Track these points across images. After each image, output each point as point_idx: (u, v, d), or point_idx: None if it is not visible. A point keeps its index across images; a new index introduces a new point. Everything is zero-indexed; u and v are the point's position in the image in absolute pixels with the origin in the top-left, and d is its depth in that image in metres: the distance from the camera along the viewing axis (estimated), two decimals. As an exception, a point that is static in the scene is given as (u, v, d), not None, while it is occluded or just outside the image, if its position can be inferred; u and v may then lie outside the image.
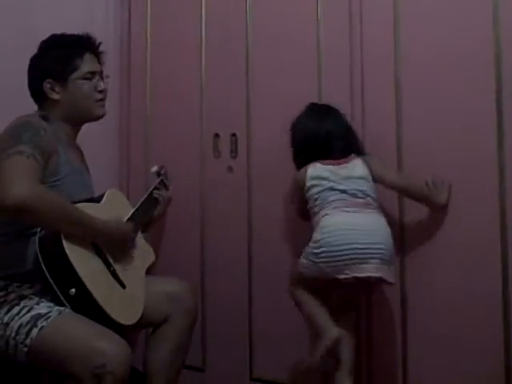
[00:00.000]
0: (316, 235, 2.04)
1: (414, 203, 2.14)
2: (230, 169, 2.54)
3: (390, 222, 2.10)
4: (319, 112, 2.20)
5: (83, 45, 2.07)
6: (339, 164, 2.10)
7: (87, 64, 2.05)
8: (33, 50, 2.07)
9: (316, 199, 2.08)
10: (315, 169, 2.10)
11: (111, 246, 1.93)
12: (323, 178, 2.08)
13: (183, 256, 2.64)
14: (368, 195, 2.06)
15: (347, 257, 1.97)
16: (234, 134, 2.53)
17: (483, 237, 2.05)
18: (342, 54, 2.26)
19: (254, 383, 2.47)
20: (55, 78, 2.00)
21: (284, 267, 2.30)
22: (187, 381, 2.34)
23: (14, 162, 1.73)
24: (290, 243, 2.36)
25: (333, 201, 2.05)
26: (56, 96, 2.01)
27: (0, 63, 2.35)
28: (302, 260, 2.09)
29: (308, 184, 2.10)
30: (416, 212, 2.16)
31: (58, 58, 2.01)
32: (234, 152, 2.53)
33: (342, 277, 1.99)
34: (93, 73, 2.06)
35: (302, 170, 2.13)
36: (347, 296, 2.15)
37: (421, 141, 2.16)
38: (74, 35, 2.06)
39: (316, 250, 2.02)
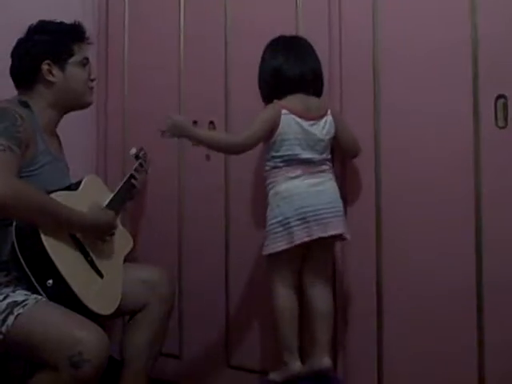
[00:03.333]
0: (277, 202, 2.08)
1: (392, 187, 2.17)
2: (208, 157, 2.53)
3: (365, 195, 2.18)
4: (296, 46, 2.16)
5: (77, 32, 2.07)
6: (313, 120, 2.10)
7: (82, 50, 2.07)
8: (8, 35, 2.04)
9: (282, 158, 2.08)
10: (288, 121, 2.07)
11: (91, 237, 1.93)
12: (295, 138, 2.07)
13: (160, 242, 2.64)
14: (327, 160, 2.13)
15: (315, 217, 2.03)
16: (211, 122, 2.52)
17: (458, 220, 2.07)
18: (321, 45, 2.25)
19: (230, 371, 2.48)
20: (54, 60, 1.99)
21: (261, 254, 2.30)
22: (164, 368, 2.36)
23: None
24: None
25: (292, 168, 2.08)
26: (53, 78, 2.00)
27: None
28: (271, 238, 2.09)
29: (281, 132, 2.07)
30: (393, 199, 2.18)
31: (56, 42, 2.01)
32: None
33: (308, 239, 2.03)
34: (87, 59, 2.08)
35: (275, 106, 2.09)
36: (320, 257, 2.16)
37: (398, 135, 2.17)
38: (65, 23, 2.07)
39: (284, 216, 2.05)
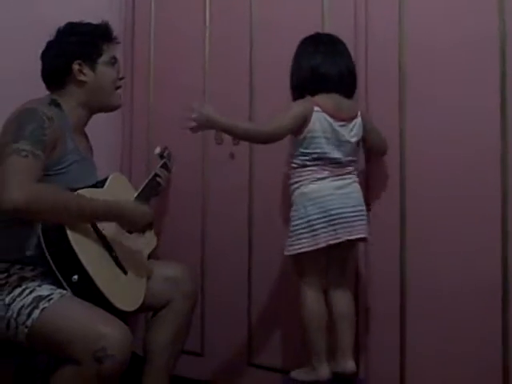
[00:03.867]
0: (303, 203, 2.06)
1: (418, 184, 2.16)
2: (232, 155, 2.54)
3: (390, 191, 2.18)
4: (332, 44, 2.14)
5: (106, 32, 2.10)
6: (344, 121, 2.09)
7: (111, 50, 2.10)
8: (37, 36, 2.07)
9: (310, 156, 2.07)
10: (318, 118, 2.05)
11: (128, 226, 1.96)
12: (325, 137, 2.06)
13: (184, 240, 2.66)
14: (353, 162, 2.12)
15: (340, 220, 2.02)
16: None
17: (484, 224, 2.05)
18: (347, 43, 2.23)
19: (251, 369, 2.48)
20: (85, 59, 2.02)
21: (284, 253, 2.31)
22: (186, 365, 2.36)
23: (10, 163, 1.73)
24: (289, 225, 2.36)
25: (319, 168, 2.06)
26: (84, 78, 2.02)
27: (7, 50, 2.38)
28: (295, 239, 2.07)
29: (311, 129, 2.05)
30: (418, 199, 2.17)
31: (85, 43, 2.04)
32: (236, 138, 2.53)
33: (334, 242, 2.03)
34: (115, 58, 2.10)
35: (307, 101, 2.07)
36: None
37: (424, 133, 2.16)
38: (93, 23, 2.09)
39: (310, 218, 2.03)
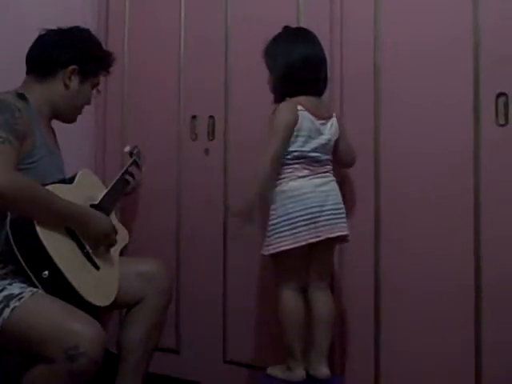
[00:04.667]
0: (283, 201, 2.04)
1: (392, 186, 2.17)
2: (207, 151, 2.53)
3: (365, 192, 2.18)
4: (307, 36, 2.11)
5: (110, 63, 2.14)
6: (323, 119, 2.08)
7: (100, 76, 2.13)
8: (8, 31, 2.03)
9: (291, 154, 2.05)
10: (303, 117, 2.03)
11: (89, 236, 1.92)
12: (308, 136, 2.04)
13: (159, 237, 2.64)
14: (330, 161, 2.11)
15: (321, 218, 2.01)
16: (211, 117, 2.52)
17: (457, 223, 2.07)
18: (323, 42, 2.23)
19: (227, 365, 2.48)
20: (81, 70, 2.03)
21: (259, 248, 2.30)
22: (161, 363, 2.35)
23: None
24: (265, 224, 2.35)
25: (300, 167, 2.05)
26: (69, 83, 2.02)
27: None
28: (274, 237, 2.04)
29: (300, 128, 2.03)
30: (392, 200, 2.18)
31: (92, 56, 2.07)
32: (211, 134, 2.52)
33: (315, 240, 2.01)
34: (98, 85, 2.15)
35: (290, 104, 2.04)
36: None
37: (398, 132, 2.17)
38: (107, 51, 2.16)
39: (290, 216, 2.02)
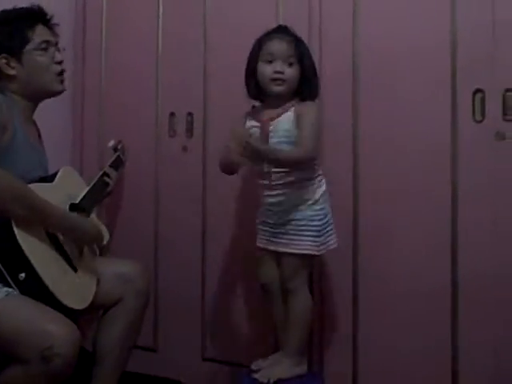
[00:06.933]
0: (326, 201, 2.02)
1: (368, 183, 2.17)
2: (185, 148, 2.51)
3: (344, 189, 2.18)
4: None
5: (34, 16, 1.99)
6: None
7: (40, 34, 1.97)
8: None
9: None
10: None
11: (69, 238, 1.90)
12: None
13: (137, 236, 2.62)
14: None
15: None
16: (190, 114, 2.51)
17: (434, 213, 2.08)
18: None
19: (205, 363, 2.47)
20: (9, 52, 1.93)
21: (238, 248, 2.30)
22: (139, 361, 2.34)
23: None
24: (244, 224, 2.35)
25: None
26: (12, 71, 1.94)
27: None
28: (327, 235, 2.01)
29: None
30: (370, 202, 2.18)
31: (10, 32, 1.93)
32: (189, 131, 2.51)
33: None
34: (47, 42, 1.98)
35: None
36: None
37: (377, 131, 2.17)
38: (24, 8, 1.98)
39: (327, 219, 2.02)
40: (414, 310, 2.10)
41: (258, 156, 1.86)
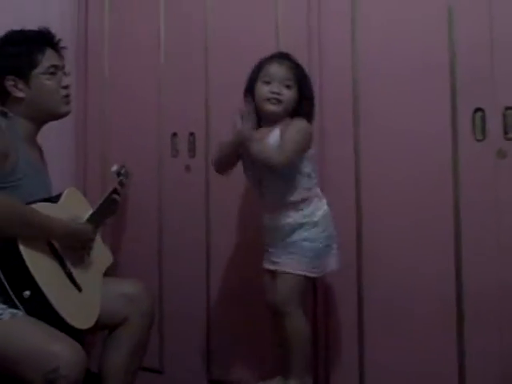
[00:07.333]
0: (328, 223, 2.03)
1: (373, 203, 2.17)
2: (188, 168, 2.52)
3: (347, 210, 2.18)
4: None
5: (43, 39, 2.00)
6: None
7: (49, 58, 1.98)
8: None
9: (313, 170, 2.05)
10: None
11: (69, 246, 1.90)
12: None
13: (141, 256, 2.62)
14: None
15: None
16: (192, 133, 2.52)
17: (438, 232, 2.08)
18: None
19: (211, 385, 2.47)
20: (17, 74, 1.94)
21: (243, 269, 2.30)
22: (145, 383, 2.32)
23: None
24: (248, 243, 2.36)
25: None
26: (20, 94, 1.95)
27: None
28: (317, 261, 2.01)
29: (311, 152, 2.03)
30: (373, 210, 2.19)
31: (18, 54, 1.94)
32: (191, 151, 2.52)
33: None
34: (55, 66, 1.99)
35: (312, 129, 2.04)
36: None
37: (379, 152, 2.18)
38: (33, 30, 1.99)
39: (327, 241, 2.02)
40: (419, 329, 2.10)
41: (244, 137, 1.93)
